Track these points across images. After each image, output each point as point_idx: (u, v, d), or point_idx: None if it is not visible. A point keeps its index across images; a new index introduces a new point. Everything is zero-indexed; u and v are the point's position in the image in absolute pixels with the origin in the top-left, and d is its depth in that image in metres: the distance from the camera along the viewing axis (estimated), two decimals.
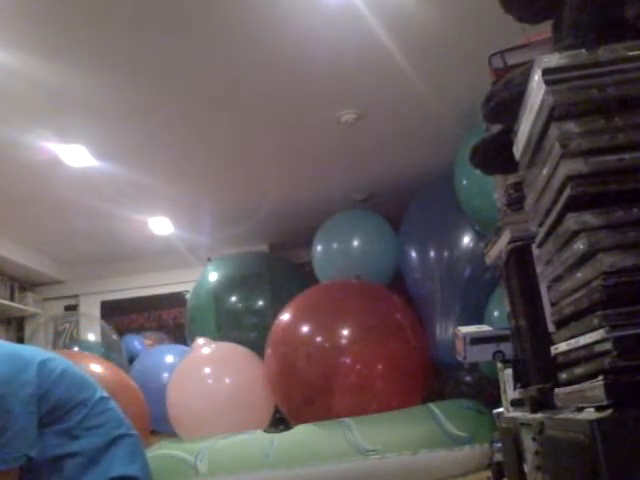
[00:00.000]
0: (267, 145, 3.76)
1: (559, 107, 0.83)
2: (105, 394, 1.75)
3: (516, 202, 1.34)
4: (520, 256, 1.30)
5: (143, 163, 3.77)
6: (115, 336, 5.09)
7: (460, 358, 1.82)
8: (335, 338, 3.79)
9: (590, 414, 0.79)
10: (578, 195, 0.81)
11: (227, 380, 4.04)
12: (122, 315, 5.76)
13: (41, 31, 2.55)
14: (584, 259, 0.82)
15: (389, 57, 2.85)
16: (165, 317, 5.80)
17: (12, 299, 5.30)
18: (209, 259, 4.98)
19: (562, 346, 0.95)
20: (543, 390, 1.13)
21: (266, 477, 3.38)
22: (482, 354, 1.72)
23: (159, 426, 4.20)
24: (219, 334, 4.45)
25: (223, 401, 3.94)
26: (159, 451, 3.66)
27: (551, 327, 1.09)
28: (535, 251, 1.18)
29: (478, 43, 2.07)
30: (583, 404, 0.85)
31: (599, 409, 0.78)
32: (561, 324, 0.96)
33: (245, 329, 4.53)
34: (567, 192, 0.82)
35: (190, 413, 3.98)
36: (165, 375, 4.38)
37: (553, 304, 1.01)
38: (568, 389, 0.92)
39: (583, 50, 0.85)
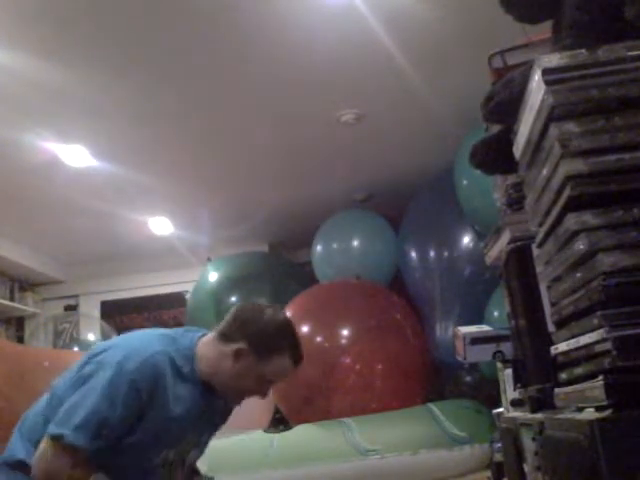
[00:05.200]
0: (267, 145, 3.76)
1: (559, 107, 0.83)
2: None
3: (516, 202, 1.34)
4: (520, 256, 1.30)
5: (143, 163, 3.77)
6: (115, 336, 5.09)
7: (460, 358, 1.82)
8: (335, 338, 3.79)
9: (590, 414, 0.79)
10: (578, 195, 0.81)
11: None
12: (122, 315, 5.76)
13: (41, 31, 2.55)
14: (584, 259, 0.82)
15: (389, 57, 2.85)
16: (165, 317, 5.79)
17: (12, 299, 5.30)
18: (209, 259, 4.98)
19: (562, 346, 0.95)
20: (543, 390, 1.13)
21: (266, 477, 3.38)
22: (482, 354, 1.72)
23: None
24: None
25: None
26: None
27: (551, 327, 1.09)
28: (535, 251, 1.18)
29: (478, 43, 2.07)
30: (583, 404, 0.85)
31: (599, 409, 0.78)
32: (561, 324, 0.96)
33: None
34: (567, 192, 0.82)
35: None
36: None
37: (553, 304, 1.01)
38: (568, 389, 0.92)
39: (583, 50, 0.85)
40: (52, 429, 1.50)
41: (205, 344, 1.65)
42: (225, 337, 1.63)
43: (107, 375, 1.51)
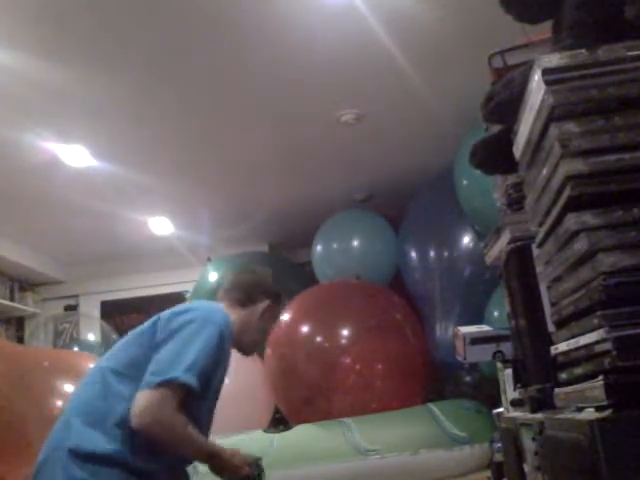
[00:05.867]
0: (267, 145, 3.76)
1: (559, 107, 0.83)
2: None
3: (516, 202, 1.34)
4: (520, 256, 1.30)
5: (143, 163, 3.76)
6: (115, 336, 5.08)
7: (460, 358, 1.82)
8: (335, 338, 3.79)
9: (590, 414, 0.79)
10: (578, 195, 0.81)
11: (227, 380, 4.03)
12: (122, 315, 5.75)
13: (41, 31, 2.55)
14: (584, 259, 0.82)
15: (389, 57, 2.85)
16: None
17: (12, 299, 5.30)
18: (209, 259, 4.98)
19: (562, 346, 0.95)
20: (543, 390, 1.13)
21: (266, 477, 3.37)
22: (482, 354, 1.72)
23: None
24: None
25: (223, 401, 3.92)
26: None
27: (551, 327, 1.09)
28: (535, 251, 1.18)
29: (478, 43, 2.07)
30: (583, 404, 0.85)
31: (599, 409, 0.78)
32: (561, 324, 0.96)
33: None
34: (567, 192, 0.82)
35: None
36: None
37: (553, 304, 1.01)
38: (568, 389, 0.92)
39: (583, 50, 0.85)
40: (153, 379, 1.51)
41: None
42: (244, 302, 1.87)
43: (199, 326, 1.62)
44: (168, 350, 1.57)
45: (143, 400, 1.49)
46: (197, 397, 1.58)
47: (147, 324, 1.72)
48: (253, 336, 1.89)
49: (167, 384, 1.50)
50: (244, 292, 1.89)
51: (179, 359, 1.54)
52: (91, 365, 3.72)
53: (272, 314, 1.94)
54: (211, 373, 1.63)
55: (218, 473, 1.70)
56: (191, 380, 1.52)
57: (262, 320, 1.90)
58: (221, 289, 1.95)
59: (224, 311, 1.79)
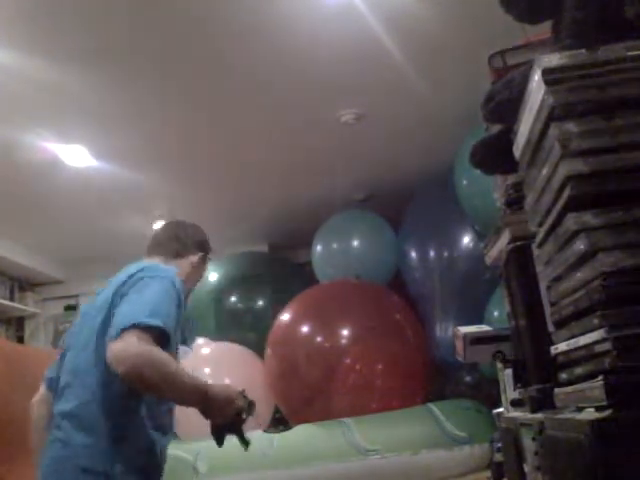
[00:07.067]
0: (267, 145, 3.75)
1: (559, 107, 0.83)
2: None
3: (516, 202, 1.34)
4: (520, 256, 1.30)
5: (143, 163, 3.76)
6: None
7: (460, 358, 1.82)
8: (335, 338, 3.79)
9: (590, 414, 0.79)
10: (578, 195, 0.81)
11: (227, 380, 4.04)
12: None
13: (41, 31, 2.55)
14: (584, 259, 0.82)
15: (389, 57, 2.85)
16: None
17: (12, 299, 5.29)
18: (209, 259, 4.97)
19: (562, 346, 0.95)
20: (543, 390, 1.13)
21: (266, 477, 3.38)
22: (482, 354, 1.72)
23: None
24: (219, 334, 4.44)
25: None
26: None
27: (551, 327, 1.09)
28: (535, 251, 1.18)
29: (478, 43, 2.07)
30: (583, 404, 0.85)
31: (599, 409, 0.78)
32: (561, 324, 0.96)
33: (245, 329, 4.53)
34: (567, 192, 0.82)
35: (190, 413, 3.97)
36: None
37: (553, 304, 1.01)
38: (568, 389, 0.92)
39: (583, 50, 0.85)
40: (117, 328, 1.39)
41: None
42: (179, 254, 1.88)
43: (153, 280, 1.56)
44: (124, 305, 1.48)
45: (119, 345, 1.36)
46: (168, 344, 1.46)
47: (100, 301, 1.60)
48: (191, 287, 1.93)
49: (133, 328, 1.37)
50: (180, 243, 1.89)
51: (138, 308, 1.44)
52: None
53: (204, 263, 1.98)
54: (177, 318, 1.54)
55: (212, 414, 1.62)
56: (157, 322, 1.41)
57: (198, 270, 1.95)
58: (153, 243, 1.90)
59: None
